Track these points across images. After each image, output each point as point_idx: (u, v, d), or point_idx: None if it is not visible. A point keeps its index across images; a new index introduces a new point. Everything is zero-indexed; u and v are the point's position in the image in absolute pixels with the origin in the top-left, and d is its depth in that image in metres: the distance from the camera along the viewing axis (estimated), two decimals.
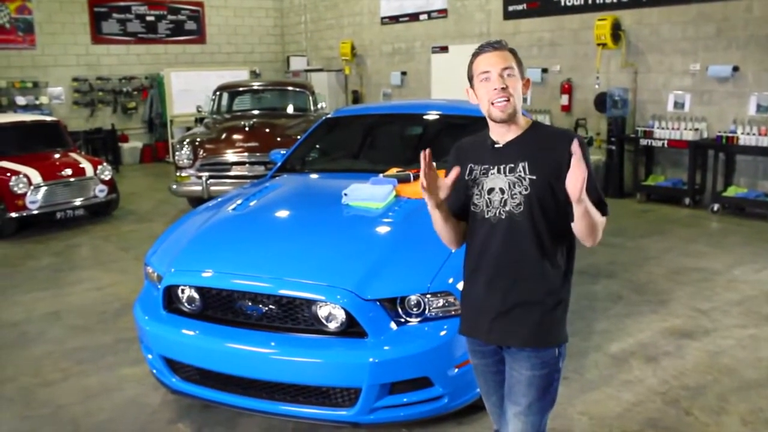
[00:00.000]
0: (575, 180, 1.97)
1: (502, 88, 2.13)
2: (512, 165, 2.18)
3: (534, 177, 2.13)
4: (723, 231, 7.47)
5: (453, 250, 2.46)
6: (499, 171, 2.20)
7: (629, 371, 4.05)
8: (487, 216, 2.21)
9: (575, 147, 1.98)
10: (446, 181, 2.15)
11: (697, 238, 7.06)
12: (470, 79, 2.25)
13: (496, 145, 2.24)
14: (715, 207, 8.24)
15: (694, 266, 6.07)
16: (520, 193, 2.16)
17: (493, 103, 2.15)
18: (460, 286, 2.41)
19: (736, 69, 8.15)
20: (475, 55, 2.23)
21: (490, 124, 2.24)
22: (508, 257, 2.20)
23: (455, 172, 2.15)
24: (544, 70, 10.30)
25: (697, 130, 8.42)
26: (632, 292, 5.43)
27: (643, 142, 8.89)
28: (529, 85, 2.26)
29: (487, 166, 2.23)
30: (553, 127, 2.33)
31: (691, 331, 4.62)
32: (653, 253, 6.53)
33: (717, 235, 7.28)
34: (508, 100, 2.14)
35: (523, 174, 2.16)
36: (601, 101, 9.46)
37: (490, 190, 2.21)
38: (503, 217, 2.18)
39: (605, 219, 2.17)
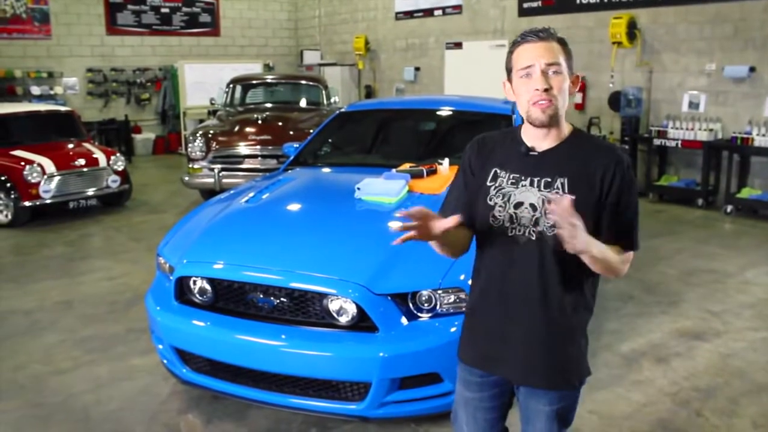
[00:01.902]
0: (564, 235, 1.71)
1: (545, 90, 1.85)
2: (549, 179, 1.90)
3: (573, 197, 1.81)
4: (736, 233, 7.42)
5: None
6: (532, 183, 1.92)
7: (639, 371, 4.03)
8: (511, 234, 1.93)
9: (561, 204, 1.69)
10: (441, 224, 1.80)
11: (709, 240, 7.02)
12: (508, 71, 1.96)
13: (531, 152, 1.95)
14: (729, 208, 8.18)
15: (706, 268, 6.03)
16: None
17: (533, 103, 1.88)
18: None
19: (752, 70, 8.07)
20: (516, 44, 1.92)
21: (526, 126, 1.97)
22: (537, 284, 1.93)
23: (454, 220, 1.80)
24: None
25: (711, 130, 8.35)
26: (643, 292, 5.41)
27: (657, 141, 8.83)
28: (578, 83, 1.95)
29: (517, 176, 1.94)
30: (597, 138, 2.07)
31: (703, 333, 4.60)
32: (665, 253, 6.50)
33: (730, 237, 7.23)
34: (551, 102, 1.87)
35: (561, 192, 1.88)
36: (615, 100, 9.40)
37: (518, 205, 1.92)
38: (533, 238, 1.91)
39: (631, 254, 1.95)
